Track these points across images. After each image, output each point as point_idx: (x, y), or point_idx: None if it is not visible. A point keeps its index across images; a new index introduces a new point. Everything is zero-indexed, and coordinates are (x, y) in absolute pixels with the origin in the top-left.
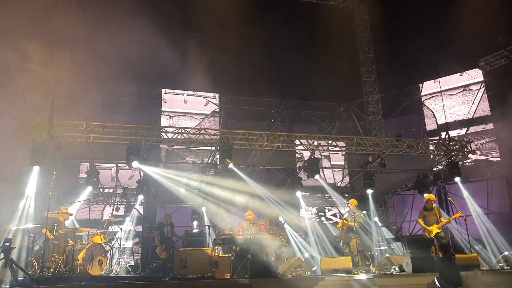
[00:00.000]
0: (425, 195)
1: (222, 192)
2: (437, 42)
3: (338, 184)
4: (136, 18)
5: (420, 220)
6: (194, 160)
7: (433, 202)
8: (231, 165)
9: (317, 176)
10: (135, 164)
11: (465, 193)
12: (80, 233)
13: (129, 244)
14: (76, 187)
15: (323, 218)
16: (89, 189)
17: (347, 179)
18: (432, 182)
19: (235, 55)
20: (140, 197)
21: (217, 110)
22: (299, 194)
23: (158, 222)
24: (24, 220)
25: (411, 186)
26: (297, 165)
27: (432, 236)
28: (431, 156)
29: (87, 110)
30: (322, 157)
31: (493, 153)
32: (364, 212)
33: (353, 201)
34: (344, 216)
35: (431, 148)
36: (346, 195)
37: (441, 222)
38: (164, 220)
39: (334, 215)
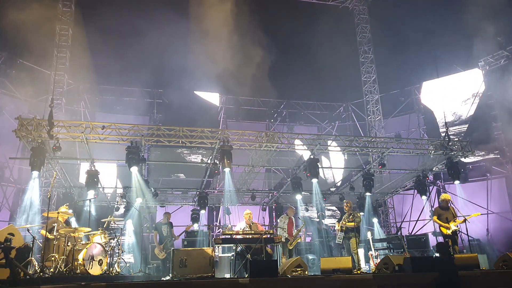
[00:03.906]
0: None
1: None
2: (437, 42)
3: (338, 184)
4: (135, 19)
5: (435, 218)
6: (195, 160)
7: (448, 201)
8: (227, 169)
9: (315, 180)
10: (133, 169)
11: (463, 194)
12: (80, 233)
13: (130, 243)
14: (77, 187)
15: (323, 220)
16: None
17: (346, 179)
18: (432, 182)
19: (236, 55)
20: (139, 199)
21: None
22: (298, 197)
23: (157, 222)
24: (25, 220)
25: (411, 186)
26: (297, 165)
27: (449, 232)
28: (431, 156)
29: (87, 110)
30: (322, 156)
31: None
32: (362, 213)
33: (349, 202)
34: (341, 218)
35: (430, 148)
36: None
37: (457, 220)
38: (162, 220)
39: (333, 215)
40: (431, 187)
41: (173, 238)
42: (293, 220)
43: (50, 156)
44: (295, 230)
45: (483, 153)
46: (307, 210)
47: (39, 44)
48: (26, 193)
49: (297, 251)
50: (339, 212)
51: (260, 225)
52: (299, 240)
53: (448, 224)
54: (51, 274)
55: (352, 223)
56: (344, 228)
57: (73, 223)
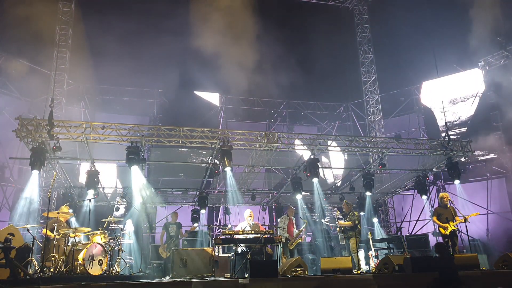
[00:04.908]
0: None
1: None
2: (437, 42)
3: (338, 184)
4: (135, 18)
5: (434, 218)
6: (195, 160)
7: (446, 199)
8: (227, 168)
9: (315, 179)
10: (134, 168)
11: (463, 193)
12: (80, 233)
13: (129, 243)
14: (77, 187)
15: (323, 220)
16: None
17: (346, 179)
18: (432, 182)
19: (236, 55)
20: (139, 199)
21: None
22: (299, 197)
23: (166, 222)
24: (25, 220)
25: (411, 186)
26: (297, 165)
27: (447, 232)
28: (431, 156)
29: (87, 110)
30: (322, 156)
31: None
32: (362, 213)
33: (348, 204)
34: (339, 218)
35: (430, 148)
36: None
37: (456, 220)
38: (171, 219)
39: (333, 216)
40: (431, 187)
41: (180, 237)
42: (293, 220)
43: (50, 156)
44: (296, 230)
45: (483, 153)
46: (309, 209)
47: (39, 44)
48: (24, 193)
49: (298, 251)
50: (339, 213)
51: (261, 225)
52: (300, 240)
53: (448, 224)
54: (51, 274)
55: (349, 222)
56: (342, 228)
57: (73, 223)
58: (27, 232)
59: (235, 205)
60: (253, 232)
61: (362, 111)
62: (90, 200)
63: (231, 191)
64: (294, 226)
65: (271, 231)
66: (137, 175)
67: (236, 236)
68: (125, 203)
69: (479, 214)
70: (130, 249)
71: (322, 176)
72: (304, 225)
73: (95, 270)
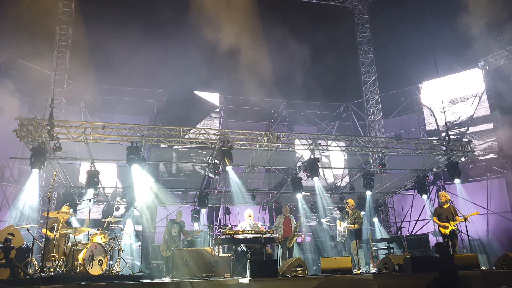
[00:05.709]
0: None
1: None
2: (437, 42)
3: (338, 184)
4: (135, 18)
5: (435, 218)
6: (195, 159)
7: (444, 198)
8: (229, 167)
9: (316, 179)
10: (136, 168)
11: (464, 193)
12: (80, 233)
13: (129, 243)
14: (77, 187)
15: (323, 220)
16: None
17: (346, 179)
18: (432, 182)
19: (235, 55)
20: (139, 198)
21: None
22: (299, 196)
23: (169, 220)
24: (25, 220)
25: (411, 186)
26: (297, 165)
27: (447, 231)
28: (431, 156)
29: (87, 110)
30: (322, 156)
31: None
32: (363, 213)
33: (351, 201)
34: (343, 219)
35: (430, 148)
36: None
37: (456, 220)
38: (175, 218)
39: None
40: (431, 187)
41: (183, 237)
42: (291, 218)
43: (50, 156)
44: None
45: (483, 153)
46: (309, 209)
47: (39, 44)
48: (24, 191)
49: (298, 251)
50: (339, 212)
51: (262, 226)
52: (298, 237)
53: (448, 223)
54: (51, 274)
55: (354, 225)
56: (346, 231)
57: (73, 223)
58: (27, 232)
59: (235, 205)
60: (253, 232)
61: (362, 111)
62: (90, 200)
63: (235, 191)
64: (292, 223)
65: (271, 231)
66: (141, 174)
67: (236, 236)
68: (125, 203)
69: (479, 214)
70: (130, 249)
71: (322, 176)
72: (300, 220)
73: (95, 270)
